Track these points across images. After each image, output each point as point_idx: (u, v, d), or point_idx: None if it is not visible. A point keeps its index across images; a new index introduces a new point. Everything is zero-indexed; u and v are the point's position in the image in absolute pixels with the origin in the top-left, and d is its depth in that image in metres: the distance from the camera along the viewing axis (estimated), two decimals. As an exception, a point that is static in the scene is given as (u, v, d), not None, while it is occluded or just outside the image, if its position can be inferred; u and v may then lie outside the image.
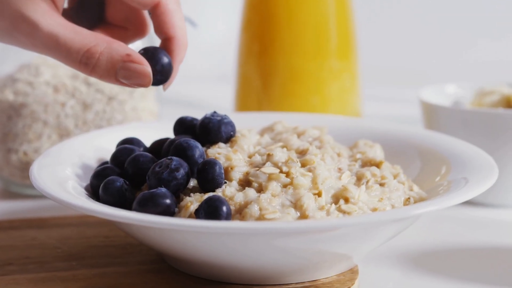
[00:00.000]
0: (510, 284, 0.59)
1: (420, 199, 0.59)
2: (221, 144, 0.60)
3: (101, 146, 0.67)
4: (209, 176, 0.55)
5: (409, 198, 0.59)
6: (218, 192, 0.55)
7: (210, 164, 0.56)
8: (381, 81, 1.31)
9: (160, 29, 0.57)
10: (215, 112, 0.62)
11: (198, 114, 0.64)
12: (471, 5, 1.40)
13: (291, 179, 0.55)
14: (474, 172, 0.59)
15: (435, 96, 0.84)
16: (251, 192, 0.55)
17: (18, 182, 0.77)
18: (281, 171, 0.56)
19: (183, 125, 0.63)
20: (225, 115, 0.62)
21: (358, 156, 0.63)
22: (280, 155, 0.58)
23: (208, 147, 0.60)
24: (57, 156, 0.63)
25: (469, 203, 0.75)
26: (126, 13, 0.59)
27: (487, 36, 1.40)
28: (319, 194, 0.55)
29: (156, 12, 0.56)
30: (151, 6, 0.56)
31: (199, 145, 0.58)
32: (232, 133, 0.61)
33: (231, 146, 0.60)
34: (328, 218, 0.54)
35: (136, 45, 0.62)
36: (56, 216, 0.69)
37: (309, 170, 0.56)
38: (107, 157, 0.64)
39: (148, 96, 0.81)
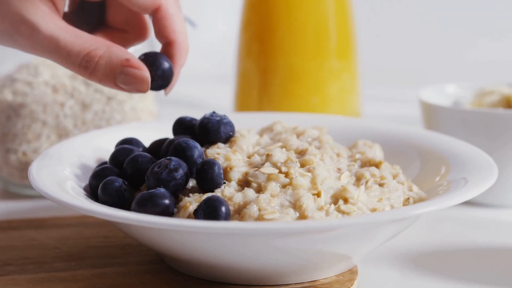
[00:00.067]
0: (509, 285, 0.59)
1: (420, 199, 0.59)
2: (220, 144, 0.60)
3: (100, 146, 0.67)
4: (208, 176, 0.55)
5: (408, 198, 0.59)
6: (217, 193, 0.55)
7: (209, 164, 0.56)
8: (381, 81, 1.31)
9: (161, 34, 0.57)
10: (214, 112, 0.62)
11: (198, 114, 0.64)
12: (471, 5, 1.40)
13: (290, 180, 0.55)
14: (473, 172, 0.59)
15: (435, 96, 0.84)
16: (250, 193, 0.55)
17: (17, 182, 0.77)
18: (280, 172, 0.56)
19: (182, 125, 0.63)
20: (224, 115, 0.61)
21: (358, 156, 0.63)
22: (279, 155, 0.58)
23: (207, 147, 0.60)
24: (56, 156, 0.63)
25: (468, 203, 0.75)
26: (127, 16, 0.59)
27: (487, 36, 1.40)
28: (318, 195, 0.55)
29: (156, 17, 0.56)
30: (151, 10, 0.56)
31: (198, 145, 0.58)
32: (231, 133, 0.61)
33: (230, 146, 0.60)
34: (327, 218, 0.54)
35: (135, 49, 0.62)
36: (55, 216, 0.69)
37: (308, 171, 0.56)
38: (106, 157, 0.64)
39: (147, 96, 0.80)
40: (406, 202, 0.58)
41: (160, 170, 0.55)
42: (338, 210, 0.54)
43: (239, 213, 0.53)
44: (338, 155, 0.61)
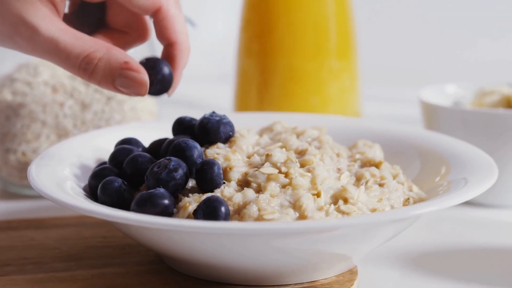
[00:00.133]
0: (510, 285, 0.59)
1: (420, 200, 0.59)
2: (220, 145, 0.60)
3: (100, 146, 0.67)
4: (207, 177, 0.55)
5: (408, 198, 0.59)
6: (217, 193, 0.55)
7: (209, 165, 0.55)
8: (381, 81, 1.31)
9: (162, 35, 0.57)
10: (214, 112, 0.62)
11: (197, 114, 0.64)
12: (471, 5, 1.40)
13: (290, 180, 0.55)
14: (473, 173, 0.59)
15: (435, 96, 0.83)
16: (249, 193, 0.54)
17: (17, 183, 0.77)
18: (280, 172, 0.56)
19: (181, 125, 0.63)
20: (224, 115, 0.61)
21: (358, 156, 0.63)
22: (279, 155, 0.58)
23: (207, 147, 0.60)
24: (56, 157, 0.62)
25: (469, 203, 0.75)
26: (127, 18, 0.59)
27: (487, 36, 1.40)
28: (318, 195, 0.55)
29: (157, 18, 0.56)
30: (152, 11, 0.56)
31: (197, 145, 0.58)
32: (231, 133, 0.61)
33: (230, 147, 0.60)
34: (327, 218, 0.53)
35: (135, 50, 0.62)
36: (55, 216, 0.69)
37: (308, 171, 0.56)
38: (106, 157, 0.64)
39: (147, 96, 0.80)
40: (406, 202, 0.58)
41: (160, 170, 0.55)
42: (338, 210, 0.54)
43: (239, 213, 0.53)
44: (338, 155, 0.61)
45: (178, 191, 0.56)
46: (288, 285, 0.55)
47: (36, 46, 0.53)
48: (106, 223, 0.65)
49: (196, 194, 0.55)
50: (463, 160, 0.62)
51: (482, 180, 0.56)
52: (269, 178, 0.55)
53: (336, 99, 0.93)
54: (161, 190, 0.54)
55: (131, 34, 0.60)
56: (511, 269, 0.61)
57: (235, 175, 0.57)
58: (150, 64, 0.55)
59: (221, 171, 0.56)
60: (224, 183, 0.56)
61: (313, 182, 0.56)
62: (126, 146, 0.62)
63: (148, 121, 0.78)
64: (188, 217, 0.53)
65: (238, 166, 0.57)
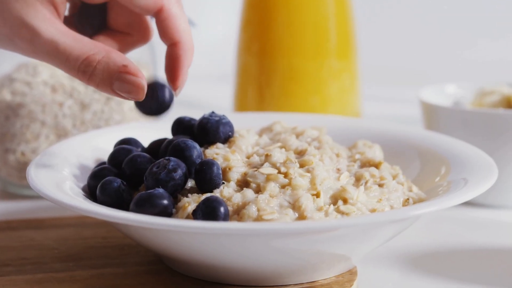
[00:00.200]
0: (509, 285, 0.59)
1: (419, 200, 0.59)
2: (219, 145, 0.60)
3: (99, 146, 0.67)
4: (207, 177, 0.55)
5: (408, 199, 0.58)
6: (216, 193, 0.55)
7: (208, 165, 0.55)
8: (381, 81, 1.31)
9: (165, 35, 0.57)
10: (213, 112, 0.62)
11: (197, 114, 0.64)
12: (471, 5, 1.40)
13: (289, 180, 0.55)
14: (473, 173, 0.59)
15: (435, 96, 0.83)
16: (249, 193, 0.54)
17: (16, 183, 0.77)
18: (279, 172, 0.56)
19: (181, 126, 0.63)
20: (223, 115, 0.61)
21: (357, 156, 0.63)
22: (278, 155, 0.58)
23: (206, 148, 0.60)
24: (55, 157, 0.62)
25: (469, 203, 0.75)
26: (129, 18, 0.59)
27: (487, 36, 1.40)
28: (317, 195, 0.55)
29: (159, 17, 0.56)
30: (154, 11, 0.56)
31: (197, 145, 0.58)
32: (230, 133, 0.61)
33: (229, 147, 0.60)
34: (326, 219, 0.53)
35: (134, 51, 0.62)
36: (54, 217, 0.69)
37: (308, 171, 0.56)
38: (105, 157, 0.64)
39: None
40: (406, 202, 0.58)
41: (159, 170, 0.55)
42: (338, 210, 0.54)
43: (238, 213, 0.53)
44: (337, 155, 0.61)
45: (177, 191, 0.55)
46: (288, 285, 0.55)
47: (36, 48, 0.53)
48: (105, 223, 0.65)
49: (195, 194, 0.55)
50: (463, 160, 0.62)
51: (482, 180, 0.56)
52: (268, 178, 0.55)
53: (336, 99, 0.92)
54: (160, 190, 0.54)
55: (133, 35, 0.60)
56: (511, 269, 0.61)
57: (234, 175, 0.57)
58: (154, 86, 0.56)
59: (220, 171, 0.56)
60: (223, 183, 0.56)
61: (312, 182, 0.55)
62: (125, 146, 0.62)
63: (147, 121, 0.78)
64: (187, 217, 0.53)
65: (238, 166, 0.57)
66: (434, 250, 0.65)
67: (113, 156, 0.61)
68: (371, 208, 0.56)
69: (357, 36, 0.95)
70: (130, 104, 0.78)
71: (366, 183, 0.58)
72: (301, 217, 0.53)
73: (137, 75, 0.53)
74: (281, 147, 0.60)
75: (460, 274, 0.60)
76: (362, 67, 0.97)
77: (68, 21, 0.59)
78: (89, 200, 0.57)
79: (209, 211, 0.52)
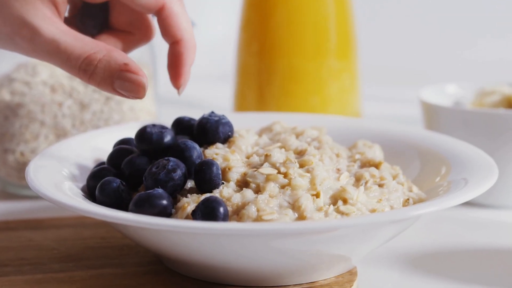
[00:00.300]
0: (509, 285, 0.58)
1: (419, 200, 0.58)
2: (218, 145, 0.60)
3: (99, 146, 0.67)
4: (206, 177, 0.55)
5: (408, 199, 0.58)
6: (215, 193, 0.55)
7: (207, 165, 0.55)
8: (381, 81, 1.30)
9: (167, 33, 0.57)
10: (212, 112, 0.61)
11: (196, 114, 0.64)
12: (471, 5, 1.39)
13: (289, 180, 0.55)
14: (474, 173, 0.59)
15: (436, 96, 0.83)
16: (248, 193, 0.54)
17: (15, 183, 0.77)
18: (279, 172, 0.56)
19: (180, 125, 0.63)
20: (223, 115, 0.61)
21: (357, 156, 0.63)
22: (278, 155, 0.58)
23: (206, 148, 0.60)
24: (54, 157, 0.62)
25: (469, 204, 0.74)
26: (131, 17, 0.59)
27: (488, 35, 1.40)
28: (317, 195, 0.55)
29: (161, 16, 0.56)
30: (155, 9, 0.56)
31: (196, 145, 0.58)
32: (229, 133, 0.61)
33: (229, 147, 0.60)
34: (326, 219, 0.53)
35: (135, 53, 0.62)
36: (53, 217, 0.69)
37: (307, 171, 0.56)
38: (104, 157, 0.64)
39: (146, 96, 0.80)
40: (406, 202, 0.58)
41: (158, 170, 0.55)
42: (337, 210, 0.54)
43: (238, 213, 0.53)
44: (337, 155, 0.61)
45: (176, 192, 0.55)
46: (287, 286, 0.55)
47: (37, 47, 0.53)
48: (104, 223, 0.65)
49: (195, 194, 0.55)
50: (463, 161, 0.62)
51: (482, 180, 0.56)
52: (268, 178, 0.55)
53: (336, 99, 0.92)
54: (160, 190, 0.54)
55: (135, 34, 0.60)
56: (511, 269, 0.61)
57: (234, 175, 0.56)
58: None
59: (220, 172, 0.56)
60: (222, 183, 0.56)
61: (312, 182, 0.55)
62: (124, 147, 0.61)
63: (147, 121, 0.78)
64: (187, 217, 0.53)
65: (237, 167, 0.57)
66: (434, 250, 0.65)
67: (112, 157, 0.61)
68: (371, 208, 0.55)
69: (357, 36, 0.95)
70: (129, 104, 0.78)
71: (366, 183, 0.58)
72: (301, 217, 0.53)
73: (138, 73, 0.53)
74: (280, 147, 0.60)
75: (460, 274, 0.60)
76: (362, 67, 0.97)
77: (70, 22, 0.59)
78: (88, 201, 0.57)
79: (208, 211, 0.52)
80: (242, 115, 0.76)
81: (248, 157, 0.59)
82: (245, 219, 0.52)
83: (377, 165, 0.61)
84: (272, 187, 0.55)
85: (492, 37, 1.40)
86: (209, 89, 1.32)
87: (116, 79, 0.53)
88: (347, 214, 0.54)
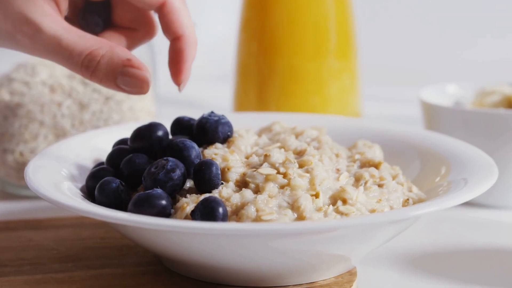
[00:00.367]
0: (509, 285, 0.58)
1: (419, 200, 0.58)
2: (218, 145, 0.60)
3: (98, 146, 0.67)
4: (205, 177, 0.55)
5: (408, 199, 0.58)
6: (215, 193, 0.55)
7: (207, 165, 0.55)
8: (381, 81, 1.30)
9: (168, 29, 0.57)
10: (212, 112, 0.61)
11: (196, 114, 0.64)
12: (471, 4, 1.39)
13: (288, 180, 0.55)
14: (473, 173, 0.58)
15: (436, 96, 0.83)
16: (247, 193, 0.54)
17: (14, 183, 0.77)
18: (278, 172, 0.56)
19: (180, 125, 0.63)
20: (223, 115, 0.61)
21: (357, 156, 0.63)
22: (277, 155, 0.58)
23: (205, 148, 0.60)
24: (53, 157, 0.62)
25: (469, 204, 0.74)
26: (134, 14, 0.59)
27: (488, 35, 1.40)
28: (316, 195, 0.54)
29: (163, 12, 0.56)
30: (157, 5, 0.56)
31: (195, 145, 0.58)
32: (229, 133, 0.61)
33: (228, 147, 0.60)
34: (325, 219, 0.53)
35: (135, 52, 0.62)
36: (52, 217, 0.69)
37: (307, 171, 0.56)
38: (104, 157, 0.64)
39: (145, 96, 0.80)
40: (406, 203, 0.58)
41: (157, 170, 0.55)
42: (337, 211, 0.54)
43: (237, 214, 0.53)
44: (337, 155, 0.61)
45: (175, 192, 0.55)
46: (287, 286, 0.54)
47: (39, 44, 0.53)
48: (103, 224, 0.65)
49: (194, 194, 0.55)
50: (463, 161, 0.62)
51: (482, 180, 0.56)
52: (267, 178, 0.55)
53: (336, 99, 0.92)
54: (159, 190, 0.54)
55: (139, 31, 0.60)
56: (511, 269, 0.61)
57: (233, 175, 0.56)
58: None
59: (219, 172, 0.56)
60: (222, 183, 0.56)
61: (311, 182, 0.55)
62: (123, 147, 0.61)
63: (147, 121, 0.78)
64: (186, 218, 0.53)
65: (236, 167, 0.57)
66: (434, 250, 0.65)
67: (111, 157, 0.61)
68: (371, 208, 0.55)
69: (357, 36, 0.95)
70: (129, 104, 0.78)
71: (365, 183, 0.58)
72: (300, 217, 0.53)
73: (141, 68, 0.53)
74: (280, 147, 0.60)
75: (460, 275, 0.60)
76: (362, 67, 0.97)
77: (72, 22, 0.58)
78: (87, 201, 0.57)
79: (207, 211, 0.52)
80: (242, 115, 0.76)
81: (247, 157, 0.59)
82: (244, 219, 0.52)
83: (376, 165, 0.61)
84: (271, 187, 0.54)
85: (492, 37, 1.40)
86: (208, 89, 1.32)
87: (119, 75, 0.53)
88: (346, 214, 0.54)
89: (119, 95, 0.77)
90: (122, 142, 0.63)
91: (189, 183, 0.56)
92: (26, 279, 0.57)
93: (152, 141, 0.59)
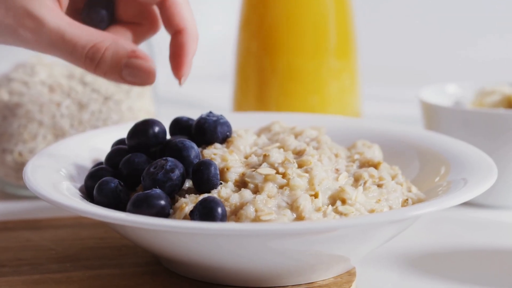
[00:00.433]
0: (509, 285, 0.58)
1: (419, 200, 0.58)
2: (217, 145, 0.60)
3: (97, 146, 0.67)
4: (204, 177, 0.55)
5: (407, 199, 0.58)
6: (214, 193, 0.54)
7: (206, 165, 0.55)
8: (381, 81, 1.30)
9: (170, 22, 0.57)
10: (211, 112, 0.61)
11: (195, 114, 0.64)
12: (471, 4, 1.39)
13: (287, 180, 0.55)
14: (473, 173, 0.58)
15: (435, 96, 0.83)
16: (246, 193, 0.54)
17: (13, 183, 0.77)
18: (277, 172, 0.56)
19: (178, 126, 0.63)
20: (221, 115, 0.61)
21: (356, 156, 0.62)
22: (276, 155, 0.57)
23: (204, 148, 0.60)
24: (52, 157, 0.62)
25: (468, 204, 0.74)
26: (137, 8, 0.59)
27: (488, 35, 1.40)
28: (315, 195, 0.54)
29: (164, 6, 0.57)
30: (158, 0, 0.56)
31: (194, 145, 0.58)
32: (228, 133, 0.61)
33: (227, 147, 0.60)
34: (324, 219, 0.53)
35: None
36: (51, 217, 0.69)
37: (306, 171, 0.56)
38: (103, 157, 0.64)
39: (144, 96, 0.80)
40: (405, 203, 0.58)
41: (156, 170, 0.55)
42: (336, 211, 0.54)
43: (236, 214, 0.53)
44: (336, 155, 0.61)
45: (174, 192, 0.55)
46: (286, 286, 0.54)
47: (41, 38, 0.53)
48: (102, 224, 0.65)
49: (193, 194, 0.55)
50: (463, 161, 0.61)
51: (482, 180, 0.56)
52: (266, 178, 0.55)
53: (336, 99, 0.92)
54: (158, 190, 0.53)
55: (143, 25, 0.60)
56: (511, 269, 0.61)
57: (232, 175, 0.56)
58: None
59: (218, 172, 0.55)
60: (221, 183, 0.56)
61: (310, 182, 0.55)
62: (122, 147, 0.61)
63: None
64: (185, 218, 0.53)
65: (235, 167, 0.57)
66: (433, 250, 0.65)
67: (110, 157, 0.61)
68: (370, 208, 0.55)
69: (357, 36, 0.94)
70: (128, 104, 0.78)
71: (365, 183, 0.58)
72: (299, 217, 0.53)
73: (146, 59, 0.53)
74: (279, 147, 0.60)
75: (460, 275, 0.60)
76: (362, 67, 0.96)
77: (74, 18, 0.58)
78: (86, 201, 0.57)
79: (206, 211, 0.52)
80: (241, 115, 0.76)
81: (246, 157, 0.59)
82: (243, 219, 0.52)
83: (376, 165, 0.61)
84: (270, 187, 0.54)
85: (492, 36, 1.39)
86: (208, 89, 1.32)
87: (124, 67, 0.53)
88: (345, 215, 0.54)
89: (118, 95, 0.77)
90: (121, 142, 0.63)
91: (188, 183, 0.56)
92: (24, 280, 0.57)
93: (148, 136, 0.59)
